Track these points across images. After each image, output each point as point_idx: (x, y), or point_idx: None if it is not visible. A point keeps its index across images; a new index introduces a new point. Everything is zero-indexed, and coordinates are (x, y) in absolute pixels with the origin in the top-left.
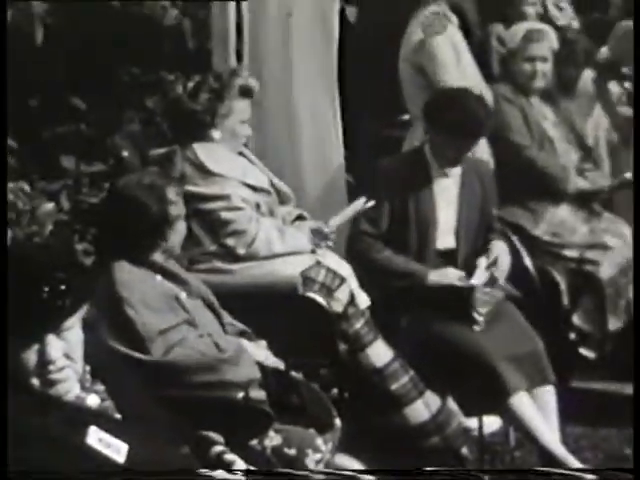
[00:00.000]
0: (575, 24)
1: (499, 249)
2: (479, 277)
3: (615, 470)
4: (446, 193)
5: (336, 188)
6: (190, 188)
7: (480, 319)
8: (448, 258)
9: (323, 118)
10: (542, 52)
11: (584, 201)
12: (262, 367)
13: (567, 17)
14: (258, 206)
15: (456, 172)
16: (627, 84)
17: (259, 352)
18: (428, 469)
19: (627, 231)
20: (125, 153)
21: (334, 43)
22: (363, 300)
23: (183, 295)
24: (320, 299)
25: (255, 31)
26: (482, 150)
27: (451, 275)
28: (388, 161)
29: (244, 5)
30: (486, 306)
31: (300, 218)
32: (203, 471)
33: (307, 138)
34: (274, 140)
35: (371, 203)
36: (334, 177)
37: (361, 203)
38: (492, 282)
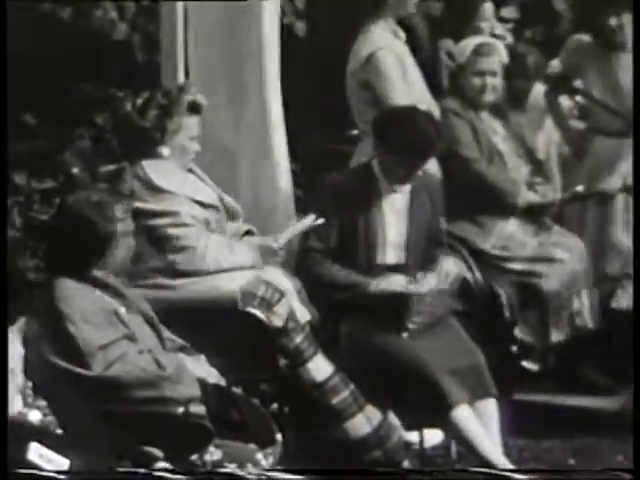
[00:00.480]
0: (526, 38)
1: (448, 264)
2: (419, 286)
3: (615, 470)
4: (395, 208)
5: (284, 203)
6: (139, 205)
7: (412, 327)
8: (397, 272)
9: (271, 133)
10: (492, 66)
11: (534, 215)
12: (202, 383)
13: (517, 31)
14: (207, 222)
15: (406, 187)
16: (578, 97)
17: (199, 368)
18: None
19: (577, 244)
20: (75, 170)
21: (277, 58)
22: (303, 314)
23: (122, 310)
24: (260, 314)
25: (203, 46)
26: (430, 164)
27: (394, 282)
28: (336, 176)
29: (192, 21)
30: (421, 316)
31: (249, 233)
32: None
33: (255, 153)
34: (223, 156)
35: (320, 220)
36: (282, 192)
37: (310, 220)
38: (435, 294)
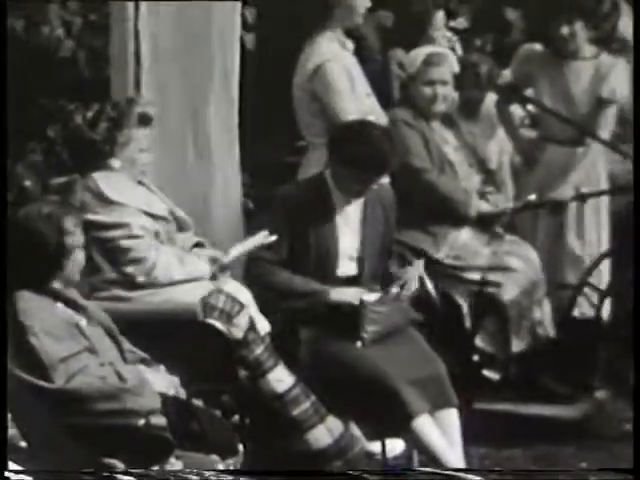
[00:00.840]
0: (477, 47)
1: (409, 274)
2: (373, 295)
3: (615, 470)
4: (349, 220)
5: (235, 214)
6: (90, 217)
7: (366, 337)
8: (350, 283)
9: (223, 145)
10: (442, 76)
11: (486, 224)
12: (163, 394)
13: (469, 40)
14: (157, 234)
15: (359, 200)
16: (530, 106)
17: (160, 380)
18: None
19: (530, 253)
20: (27, 182)
21: (235, 71)
22: (263, 326)
23: (83, 322)
24: (220, 325)
25: (155, 60)
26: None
27: (348, 293)
28: (288, 188)
29: (143, 33)
30: (375, 325)
31: (199, 245)
32: None
33: (206, 165)
34: (174, 168)
35: (272, 238)
36: (233, 204)
37: (262, 236)
38: (391, 305)
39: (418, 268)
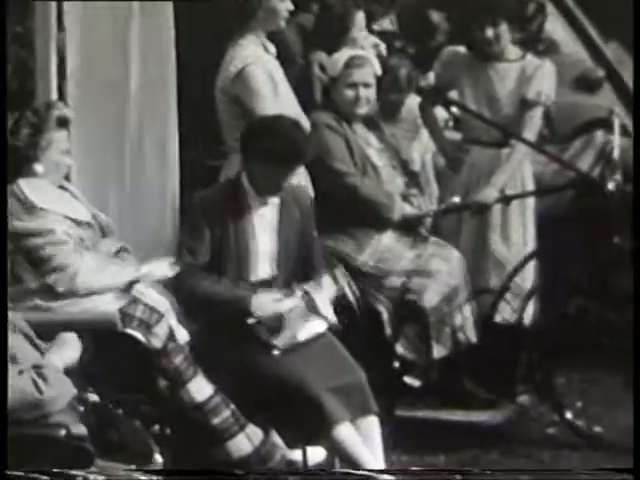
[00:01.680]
0: (400, 49)
1: (325, 280)
2: (288, 303)
3: (615, 470)
4: (265, 222)
5: (167, 220)
6: (15, 223)
7: (282, 345)
8: (267, 286)
9: (153, 151)
10: (365, 78)
11: (410, 227)
12: (83, 404)
13: (392, 42)
14: (81, 240)
15: (275, 200)
16: (454, 109)
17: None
18: None
19: (455, 255)
20: None
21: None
22: (182, 335)
23: None
24: (139, 335)
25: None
26: (302, 177)
27: (265, 299)
28: (205, 192)
29: (69, 40)
30: (291, 332)
31: (123, 250)
32: None
33: (136, 171)
34: (102, 173)
35: (177, 269)
36: (162, 208)
37: (167, 264)
38: (309, 311)
39: (337, 273)
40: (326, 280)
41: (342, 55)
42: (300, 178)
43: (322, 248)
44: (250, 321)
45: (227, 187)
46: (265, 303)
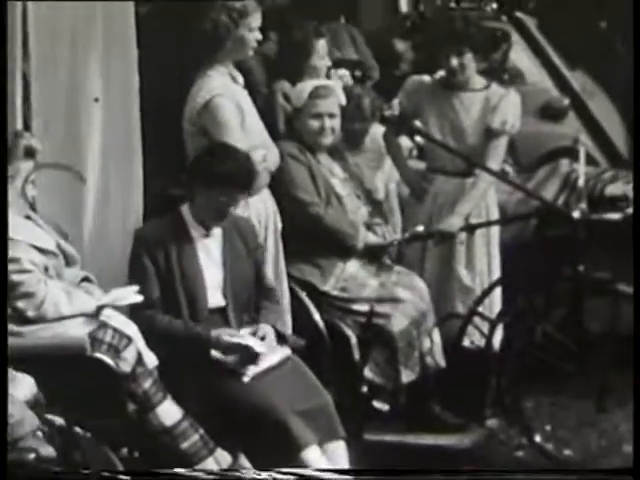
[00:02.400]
0: (364, 78)
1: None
2: (252, 340)
3: (615, 470)
4: (209, 252)
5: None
6: None
7: (250, 372)
8: (220, 315)
9: (119, 177)
10: (329, 108)
11: (374, 255)
12: (51, 427)
13: (355, 71)
14: (46, 269)
15: (217, 232)
16: (418, 138)
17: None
18: None
19: (419, 284)
20: None
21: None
22: (151, 360)
23: None
24: (108, 359)
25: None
26: (267, 205)
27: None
28: (147, 227)
29: (33, 70)
30: (257, 364)
31: (86, 280)
32: None
33: (99, 197)
34: (64, 203)
35: (139, 298)
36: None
37: (131, 292)
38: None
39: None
40: (285, 307)
41: (306, 85)
42: (261, 205)
43: (287, 277)
44: (213, 355)
45: (168, 221)
46: (224, 339)
